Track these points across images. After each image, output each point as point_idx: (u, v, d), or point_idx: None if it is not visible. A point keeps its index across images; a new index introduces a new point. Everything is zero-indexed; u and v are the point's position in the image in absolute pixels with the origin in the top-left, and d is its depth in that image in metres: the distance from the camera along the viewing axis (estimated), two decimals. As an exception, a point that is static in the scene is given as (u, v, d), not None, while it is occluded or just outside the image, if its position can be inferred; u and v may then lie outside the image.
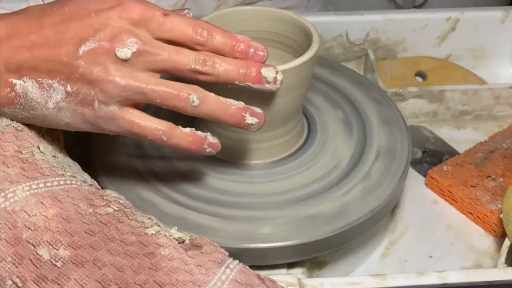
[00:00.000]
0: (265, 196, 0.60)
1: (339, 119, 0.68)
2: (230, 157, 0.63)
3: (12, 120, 0.51)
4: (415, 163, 0.74)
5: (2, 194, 0.44)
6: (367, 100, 0.71)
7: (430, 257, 0.64)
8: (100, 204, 0.46)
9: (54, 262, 0.42)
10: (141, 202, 0.58)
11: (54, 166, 0.49)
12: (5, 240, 0.42)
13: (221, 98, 0.52)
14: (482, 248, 0.65)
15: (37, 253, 0.42)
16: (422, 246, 0.65)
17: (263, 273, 0.56)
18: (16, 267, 0.41)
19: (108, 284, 0.42)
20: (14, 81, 0.49)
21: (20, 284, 0.41)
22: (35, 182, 0.46)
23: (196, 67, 0.50)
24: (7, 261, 0.41)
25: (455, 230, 0.67)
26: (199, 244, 0.47)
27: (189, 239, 0.47)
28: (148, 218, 0.48)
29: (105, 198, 0.47)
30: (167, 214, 0.57)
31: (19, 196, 0.44)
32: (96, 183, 0.54)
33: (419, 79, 0.85)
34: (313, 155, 0.64)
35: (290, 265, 0.58)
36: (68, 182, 0.48)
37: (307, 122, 0.67)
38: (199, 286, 0.43)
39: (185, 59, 0.50)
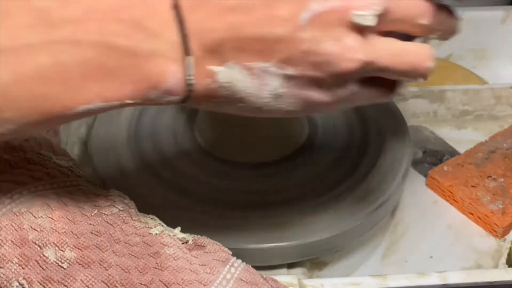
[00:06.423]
0: (264, 196, 0.60)
1: (339, 119, 0.68)
2: (230, 156, 0.63)
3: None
4: (416, 163, 0.74)
5: (8, 195, 0.43)
6: (368, 100, 0.70)
7: (431, 257, 0.64)
8: (105, 205, 0.46)
9: (60, 263, 0.42)
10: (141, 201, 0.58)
11: (60, 167, 0.48)
12: (11, 241, 0.42)
13: None
14: (482, 249, 0.65)
15: (43, 255, 0.42)
16: (423, 246, 0.65)
17: (263, 273, 0.56)
18: (23, 268, 0.41)
19: (114, 285, 0.42)
20: (215, 68, 0.37)
21: (26, 286, 0.41)
22: (41, 183, 0.45)
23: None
24: (13, 262, 0.41)
25: (456, 231, 0.67)
26: (202, 244, 0.46)
27: (192, 240, 0.46)
28: (151, 218, 0.47)
29: (109, 198, 0.47)
30: (169, 212, 0.57)
31: (25, 198, 0.44)
32: (98, 181, 0.53)
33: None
34: (313, 155, 0.64)
35: (290, 266, 0.58)
36: (74, 183, 0.48)
37: (307, 122, 0.67)
38: (204, 285, 0.43)
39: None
